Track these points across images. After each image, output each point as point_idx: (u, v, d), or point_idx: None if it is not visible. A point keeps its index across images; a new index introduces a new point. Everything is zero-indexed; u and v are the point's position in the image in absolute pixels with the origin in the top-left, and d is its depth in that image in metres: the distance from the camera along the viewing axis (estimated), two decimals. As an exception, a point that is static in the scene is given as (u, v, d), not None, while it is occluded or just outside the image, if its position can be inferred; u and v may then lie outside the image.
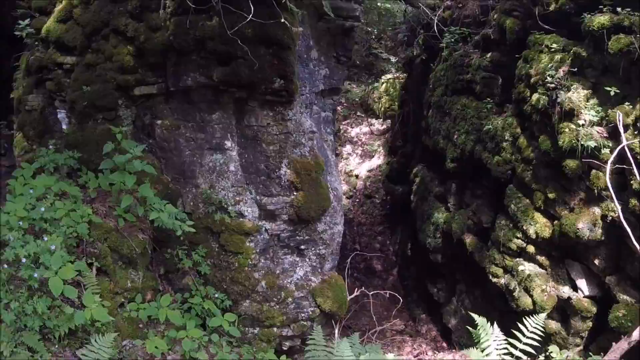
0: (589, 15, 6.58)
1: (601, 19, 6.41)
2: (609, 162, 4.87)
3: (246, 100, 6.54)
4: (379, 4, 14.21)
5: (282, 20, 5.82)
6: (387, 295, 9.72)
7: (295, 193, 6.76)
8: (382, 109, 15.47)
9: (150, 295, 5.94)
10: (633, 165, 4.82)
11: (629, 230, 4.57)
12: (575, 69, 6.76)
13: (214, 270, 6.72)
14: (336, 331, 7.23)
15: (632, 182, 5.73)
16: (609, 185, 4.85)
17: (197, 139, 6.71)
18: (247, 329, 6.81)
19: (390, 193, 13.29)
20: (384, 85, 15.70)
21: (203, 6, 5.89)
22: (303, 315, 7.00)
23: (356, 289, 8.29)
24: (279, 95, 6.44)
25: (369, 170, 15.14)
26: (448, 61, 9.70)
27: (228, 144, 6.74)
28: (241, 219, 6.76)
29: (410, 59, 12.21)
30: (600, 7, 6.57)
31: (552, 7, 7.27)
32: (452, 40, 9.54)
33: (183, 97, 6.64)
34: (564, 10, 7.10)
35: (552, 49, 7.11)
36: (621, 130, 5.51)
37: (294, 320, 6.98)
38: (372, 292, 8.71)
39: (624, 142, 5.13)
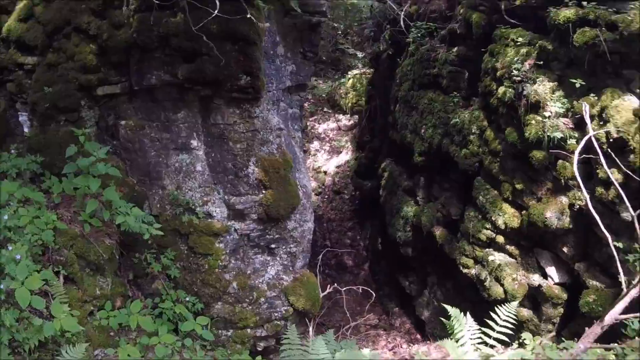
0: (555, 9, 6.73)
1: (567, 13, 6.55)
2: (577, 152, 5.01)
3: (212, 97, 6.47)
4: (345, -1, 14.27)
5: (248, 16, 5.77)
6: (360, 291, 9.78)
7: (263, 191, 6.72)
8: (349, 104, 15.54)
9: (120, 302, 5.83)
10: (600, 154, 4.97)
11: (597, 218, 4.71)
12: (541, 62, 6.90)
13: (183, 273, 6.63)
14: (310, 329, 7.23)
15: (598, 171, 5.91)
16: (577, 174, 4.99)
17: (162, 139, 6.61)
18: (220, 331, 6.76)
19: (359, 188, 13.36)
20: (350, 80, 15.77)
21: (167, 2, 5.80)
22: (276, 314, 7.00)
23: (328, 285, 8.31)
24: (245, 92, 6.38)
25: (337, 166, 15.20)
26: (415, 56, 9.80)
27: (194, 143, 6.66)
28: (210, 220, 6.70)
29: (377, 54, 12.29)
30: (565, 0, 6.70)
31: (518, 2, 7.39)
32: (419, 35, 9.65)
33: (147, 96, 6.53)
34: (530, 5, 7.23)
35: (518, 43, 7.24)
36: (588, 121, 5.66)
37: (267, 320, 6.97)
38: (344, 288, 8.74)
39: (591, 133, 5.29)
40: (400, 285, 10.51)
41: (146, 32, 6.06)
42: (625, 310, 4.37)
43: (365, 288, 9.44)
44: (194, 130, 6.62)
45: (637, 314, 4.41)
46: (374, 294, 9.53)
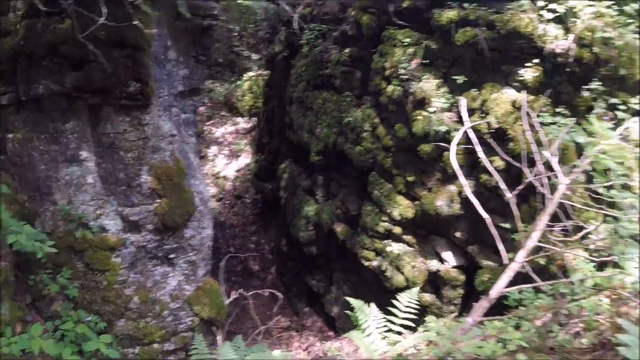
0: (439, 11, 7.42)
1: (449, 14, 7.28)
2: (453, 143, 5.59)
3: (101, 106, 6.40)
4: (239, 0, 14.38)
5: (136, 22, 5.82)
6: (268, 294, 9.97)
7: (158, 200, 6.70)
8: (247, 107, 15.72)
9: (20, 328, 5.64)
10: (477, 144, 5.60)
11: (476, 202, 5.27)
12: (427, 61, 7.59)
13: (82, 291, 6.50)
14: (219, 337, 7.34)
15: (479, 159, 6.58)
16: (454, 164, 5.55)
17: (51, 151, 6.45)
18: (126, 349, 6.67)
19: (260, 191, 13.56)
20: (247, 82, 15.95)
21: (55, 9, 5.71)
22: (182, 326, 7.01)
23: (233, 291, 8.43)
24: (134, 99, 6.38)
25: (237, 170, 15.29)
26: (309, 57, 10.22)
27: (84, 154, 6.55)
28: (104, 234, 6.59)
29: (272, 56, 12.58)
30: (448, 2, 7.42)
31: (405, 4, 8.02)
32: (312, 36, 10.07)
33: (35, 107, 6.37)
34: (417, 7, 7.89)
35: (405, 43, 7.89)
36: (464, 114, 6.35)
37: (173, 333, 6.97)
38: (250, 293, 8.89)
39: (467, 125, 5.94)
40: (308, 284, 10.86)
41: (34, 40, 5.93)
42: (510, 284, 4.95)
43: (272, 291, 9.65)
44: (83, 141, 6.53)
45: (520, 286, 5.01)
46: (282, 296, 9.76)
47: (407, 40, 7.89)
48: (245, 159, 15.38)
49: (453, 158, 5.52)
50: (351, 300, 4.88)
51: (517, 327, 4.59)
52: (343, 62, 9.26)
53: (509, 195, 5.12)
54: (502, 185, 5.23)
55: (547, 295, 5.02)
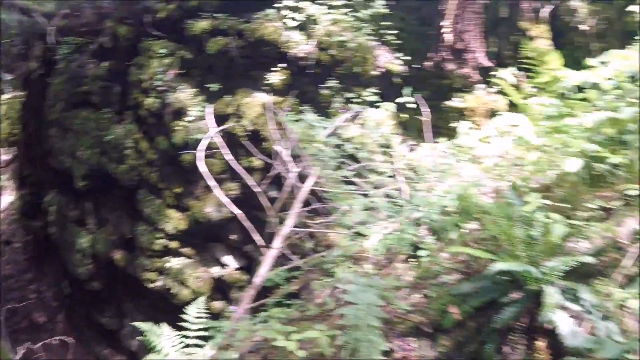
0: (192, 21, 8.43)
1: (202, 24, 8.35)
2: (198, 149, 6.54)
3: None
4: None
5: None
6: (58, 343, 9.96)
7: None
8: (4, 135, 15.22)
9: None
10: (224, 147, 6.60)
11: (226, 201, 6.24)
12: (184, 71, 8.52)
13: None
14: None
15: (240, 161, 7.59)
16: (201, 168, 6.35)
17: None
18: None
19: (29, 232, 13.16)
20: (3, 107, 15.48)
21: None
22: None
23: (19, 347, 8.46)
24: None
25: (1, 211, 14.77)
26: (66, 74, 10.39)
27: None
28: None
29: (28, 74, 12.44)
30: (200, 13, 8.44)
31: (161, 15, 8.87)
32: (69, 50, 10.31)
33: None
34: (172, 18, 8.78)
35: (161, 54, 8.73)
36: (210, 121, 7.29)
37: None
38: (38, 345, 8.97)
39: (212, 131, 6.94)
40: (101, 323, 10.92)
41: None
42: (272, 269, 6.02)
43: (60, 338, 9.70)
44: None
45: (278, 268, 6.08)
46: (72, 341, 9.82)
47: (163, 51, 8.72)
48: (9, 196, 14.81)
49: (200, 163, 6.51)
50: (139, 324, 5.19)
51: (300, 308, 5.63)
52: (101, 76, 9.67)
53: (257, 190, 6.25)
54: (250, 182, 6.35)
55: (304, 271, 6.23)
